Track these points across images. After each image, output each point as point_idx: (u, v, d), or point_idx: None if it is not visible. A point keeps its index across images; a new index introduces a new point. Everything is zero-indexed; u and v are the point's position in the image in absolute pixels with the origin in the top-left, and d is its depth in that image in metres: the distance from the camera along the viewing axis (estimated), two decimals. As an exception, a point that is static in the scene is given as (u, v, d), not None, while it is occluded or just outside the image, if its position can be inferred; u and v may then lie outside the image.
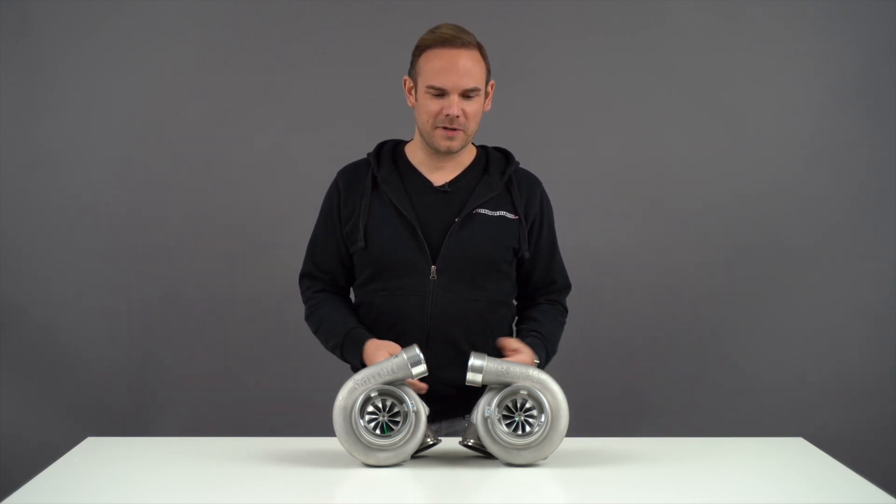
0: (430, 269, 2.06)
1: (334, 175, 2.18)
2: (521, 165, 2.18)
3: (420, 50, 2.05)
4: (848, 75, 3.37)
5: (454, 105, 2.01)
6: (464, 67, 2.01)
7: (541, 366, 2.07)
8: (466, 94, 2.02)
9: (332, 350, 2.12)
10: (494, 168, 2.14)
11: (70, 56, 3.32)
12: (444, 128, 2.03)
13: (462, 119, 2.03)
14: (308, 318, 2.17)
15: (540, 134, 3.31)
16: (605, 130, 3.41)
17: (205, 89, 3.36)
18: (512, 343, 2.04)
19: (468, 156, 2.14)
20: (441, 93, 2.02)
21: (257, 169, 3.38)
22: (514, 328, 2.19)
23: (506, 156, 2.18)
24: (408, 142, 2.17)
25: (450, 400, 2.03)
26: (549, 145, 3.31)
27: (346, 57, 3.38)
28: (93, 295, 3.36)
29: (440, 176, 2.12)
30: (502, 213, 2.11)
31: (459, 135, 2.05)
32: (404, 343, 1.94)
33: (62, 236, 3.35)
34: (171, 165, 3.37)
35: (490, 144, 2.20)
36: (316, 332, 2.15)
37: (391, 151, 2.16)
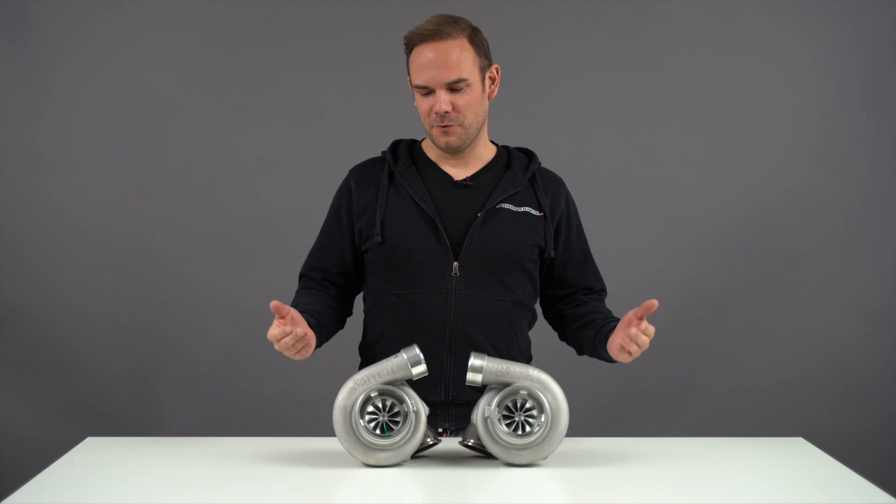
0: (451, 265, 1.99)
1: (335, 174, 2.14)
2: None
3: (407, 50, 2.00)
4: (849, 75, 3.37)
5: (441, 101, 1.95)
6: (444, 61, 1.94)
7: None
8: (453, 87, 1.95)
9: None
10: (517, 165, 2.08)
11: (69, 56, 3.32)
12: (439, 125, 1.98)
13: (453, 114, 1.96)
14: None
15: (539, 134, 3.30)
16: (605, 130, 3.41)
17: (204, 89, 3.37)
18: (637, 313, 1.87)
19: (488, 152, 2.09)
20: (427, 90, 1.96)
21: (257, 169, 3.39)
22: (570, 329, 2.09)
23: (528, 155, 2.12)
24: (422, 140, 2.13)
25: (471, 406, 1.93)
26: (547, 145, 3.29)
27: (346, 57, 3.38)
28: (93, 295, 3.36)
29: (459, 172, 2.06)
30: (527, 209, 2.04)
31: (455, 130, 1.98)
32: (424, 345, 1.82)
33: (62, 236, 3.35)
34: (170, 165, 3.37)
35: (500, 144, 2.15)
36: None
37: (408, 148, 2.10)
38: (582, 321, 2.07)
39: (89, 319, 3.36)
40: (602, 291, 2.17)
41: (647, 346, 1.89)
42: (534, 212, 2.05)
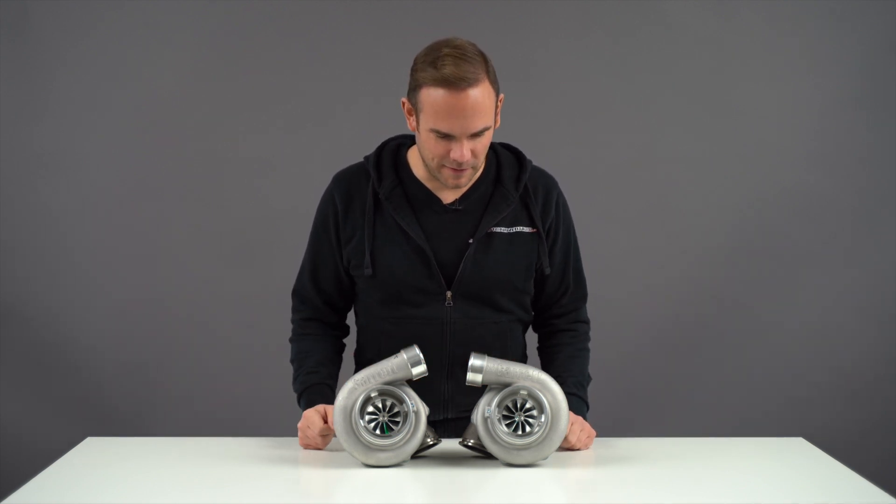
0: (444, 295, 1.96)
1: (331, 178, 2.06)
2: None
3: (418, 84, 1.84)
4: (848, 75, 3.37)
5: (463, 149, 1.84)
6: (472, 110, 1.81)
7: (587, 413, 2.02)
8: (475, 134, 1.85)
9: (294, 390, 2.05)
10: (508, 175, 1.98)
11: (69, 56, 3.32)
12: (453, 169, 1.88)
13: (471, 159, 1.86)
14: (291, 341, 2.09)
15: (539, 134, 3.30)
16: (605, 131, 3.41)
17: (204, 89, 3.37)
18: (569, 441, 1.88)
19: None
20: (447, 136, 1.84)
21: (257, 169, 3.38)
22: (541, 359, 2.10)
23: (518, 158, 2.02)
24: (411, 145, 2.02)
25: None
26: (548, 145, 3.30)
27: (346, 57, 3.38)
28: (92, 295, 3.36)
29: (448, 193, 1.97)
30: (519, 228, 1.98)
31: (468, 172, 1.90)
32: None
33: (61, 236, 3.35)
34: (170, 165, 3.37)
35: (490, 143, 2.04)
36: (291, 363, 2.07)
37: (392, 159, 2.00)
38: (551, 368, 2.06)
39: (89, 319, 3.36)
40: (580, 299, 2.10)
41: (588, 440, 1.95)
42: (526, 229, 1.99)
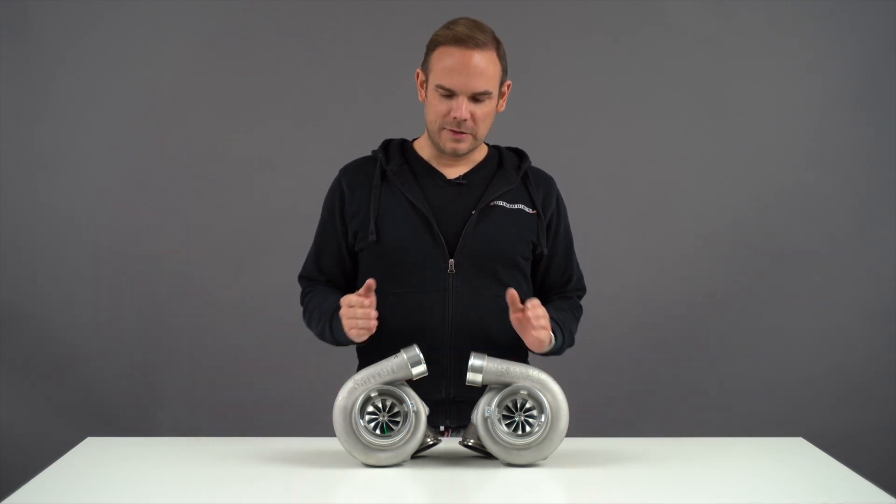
0: (447, 263, 2.00)
1: (335, 174, 2.13)
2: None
3: (433, 45, 1.99)
4: (848, 75, 3.37)
5: (462, 107, 1.95)
6: (476, 69, 1.94)
7: (560, 348, 2.03)
8: (476, 97, 1.96)
9: (322, 335, 2.05)
10: (509, 164, 2.10)
11: (69, 56, 3.32)
12: (452, 130, 1.98)
13: (470, 122, 1.97)
14: (303, 315, 2.12)
15: (539, 134, 3.30)
16: (605, 131, 3.41)
17: (204, 89, 3.37)
18: (529, 302, 1.91)
19: (480, 153, 2.10)
20: (450, 93, 1.96)
21: (257, 169, 3.39)
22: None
23: (519, 154, 2.14)
24: (414, 139, 2.13)
25: (472, 404, 1.85)
26: (547, 145, 3.29)
27: (345, 57, 3.38)
28: (93, 295, 3.36)
29: (452, 171, 2.07)
30: (520, 206, 2.06)
31: (467, 138, 1.99)
32: (423, 344, 1.82)
33: (62, 236, 3.35)
34: (170, 165, 3.37)
35: (494, 144, 2.16)
36: (308, 324, 2.09)
37: (399, 147, 2.11)
38: None
39: (89, 319, 3.36)
40: (579, 289, 2.18)
41: (544, 321, 1.94)
42: (527, 209, 2.07)
